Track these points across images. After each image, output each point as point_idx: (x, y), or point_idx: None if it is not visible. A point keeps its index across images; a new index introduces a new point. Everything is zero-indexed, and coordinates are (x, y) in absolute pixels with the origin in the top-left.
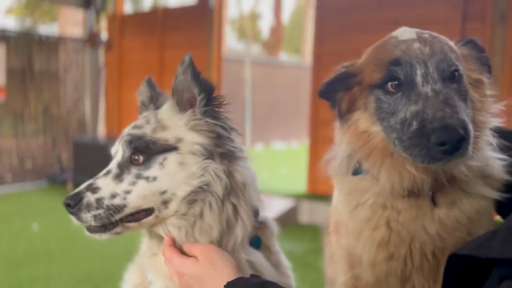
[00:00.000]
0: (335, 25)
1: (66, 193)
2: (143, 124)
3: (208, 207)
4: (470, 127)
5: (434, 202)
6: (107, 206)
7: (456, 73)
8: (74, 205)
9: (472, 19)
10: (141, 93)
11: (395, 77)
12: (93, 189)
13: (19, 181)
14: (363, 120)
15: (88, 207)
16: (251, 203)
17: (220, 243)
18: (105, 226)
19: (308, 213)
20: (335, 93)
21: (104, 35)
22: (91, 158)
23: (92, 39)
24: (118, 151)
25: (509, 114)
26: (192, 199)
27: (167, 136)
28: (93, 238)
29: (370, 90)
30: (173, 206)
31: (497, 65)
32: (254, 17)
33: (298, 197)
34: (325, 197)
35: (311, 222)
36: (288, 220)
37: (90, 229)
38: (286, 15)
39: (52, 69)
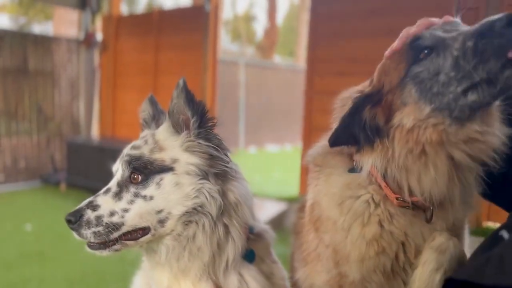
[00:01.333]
0: (329, 31)
1: (59, 194)
2: (141, 145)
3: (201, 229)
4: None
5: (430, 217)
6: (106, 223)
7: None
8: (75, 221)
9: None
10: (143, 110)
11: (421, 47)
12: (93, 206)
13: (12, 181)
14: (407, 116)
15: (88, 224)
16: (243, 222)
17: (212, 264)
18: (105, 243)
19: None
20: (359, 120)
21: (99, 36)
22: (85, 159)
23: (87, 40)
24: (118, 169)
25: None
26: (187, 220)
27: (164, 157)
28: (96, 254)
29: (402, 83)
30: (169, 225)
31: None
32: (248, 19)
33: (291, 201)
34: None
35: None
36: (280, 223)
37: (91, 246)
38: (280, 18)
39: (46, 69)
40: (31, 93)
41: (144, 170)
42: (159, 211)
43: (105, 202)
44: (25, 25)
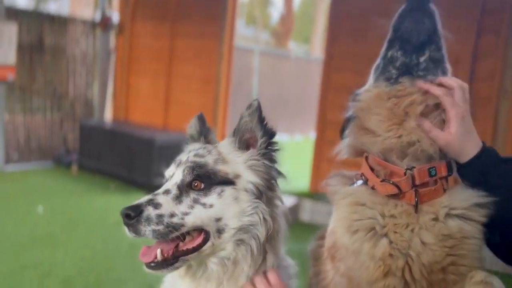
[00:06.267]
0: (349, 27)
1: (71, 176)
2: (204, 154)
3: (249, 250)
4: None
5: (416, 208)
6: (167, 223)
7: None
8: (134, 216)
9: (486, 32)
10: (191, 126)
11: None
12: (155, 204)
13: (25, 160)
14: (363, 90)
15: (148, 221)
16: (277, 253)
17: None
18: (166, 262)
19: (310, 212)
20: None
21: (115, 17)
22: (97, 141)
23: (103, 22)
24: (174, 174)
25: None
26: (239, 238)
27: (228, 170)
28: (155, 273)
29: None
30: (225, 238)
31: (508, 78)
32: (264, 3)
33: (300, 196)
34: (327, 198)
35: (313, 221)
36: (289, 218)
37: (152, 266)
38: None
39: (61, 48)
40: (45, 71)
41: (207, 179)
42: (218, 219)
43: (166, 202)
44: (40, 2)
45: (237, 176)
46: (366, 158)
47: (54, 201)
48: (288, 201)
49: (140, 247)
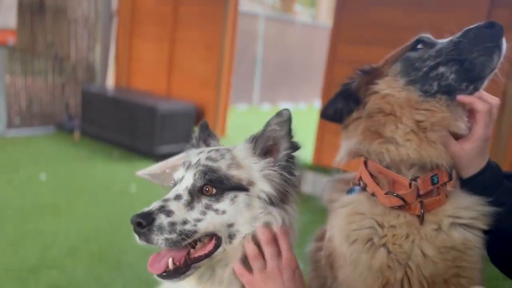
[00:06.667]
0: None
1: (73, 143)
2: (217, 158)
3: None
4: None
5: (422, 220)
6: (180, 231)
7: None
8: (146, 225)
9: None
10: (196, 132)
11: (423, 41)
12: (167, 212)
13: (27, 125)
14: (384, 84)
15: (161, 229)
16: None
17: None
18: (178, 270)
19: (312, 184)
20: (347, 91)
21: None
22: (99, 108)
23: None
24: (184, 177)
25: None
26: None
27: (242, 175)
28: (165, 282)
29: (394, 62)
30: (236, 242)
31: None
32: None
33: (303, 167)
34: (330, 170)
35: (315, 194)
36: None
37: (164, 276)
38: None
39: (63, 10)
40: (46, 33)
41: (219, 184)
42: (230, 225)
43: (178, 209)
44: None
45: (251, 183)
46: (365, 163)
47: (57, 168)
48: None
49: None
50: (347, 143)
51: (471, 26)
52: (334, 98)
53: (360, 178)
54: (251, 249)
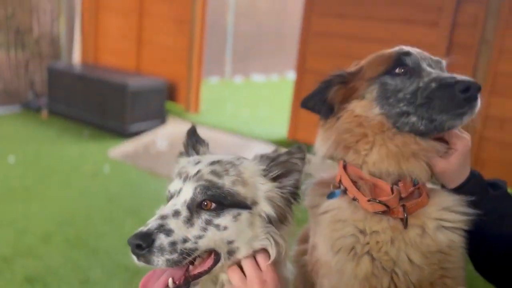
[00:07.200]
0: None
1: (41, 121)
2: (221, 173)
3: None
4: None
5: (406, 223)
6: (181, 250)
7: None
8: (146, 247)
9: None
10: (183, 143)
11: (404, 63)
12: (167, 231)
13: None
14: (360, 107)
15: (161, 250)
16: (281, 269)
17: None
18: None
19: None
20: (324, 95)
21: None
22: (66, 86)
23: None
24: (182, 190)
25: None
26: None
27: (247, 194)
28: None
29: (372, 80)
30: (235, 258)
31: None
32: None
33: (278, 143)
34: (306, 146)
35: None
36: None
37: None
38: None
39: None
40: (6, 2)
41: (222, 200)
42: (231, 242)
43: (178, 227)
44: None
45: (254, 203)
46: (344, 167)
47: (25, 149)
48: (265, 149)
49: (118, 201)
50: (323, 140)
51: (448, 81)
52: (312, 95)
53: (340, 181)
54: (236, 279)
